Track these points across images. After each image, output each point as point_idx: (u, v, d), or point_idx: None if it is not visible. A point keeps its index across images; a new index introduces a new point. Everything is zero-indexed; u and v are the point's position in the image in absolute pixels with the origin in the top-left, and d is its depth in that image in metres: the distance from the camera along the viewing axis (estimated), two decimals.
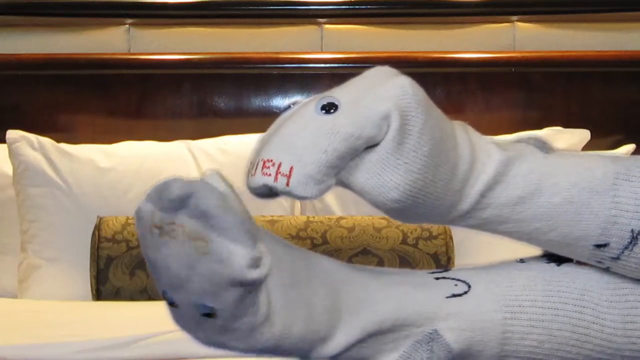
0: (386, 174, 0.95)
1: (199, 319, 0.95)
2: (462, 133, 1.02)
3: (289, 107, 1.00)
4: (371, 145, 0.96)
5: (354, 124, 0.94)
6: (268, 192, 0.97)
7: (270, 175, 0.94)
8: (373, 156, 0.95)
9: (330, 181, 0.95)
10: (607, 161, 1.05)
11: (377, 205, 0.97)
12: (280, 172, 0.94)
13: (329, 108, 0.96)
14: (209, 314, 0.94)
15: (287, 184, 0.94)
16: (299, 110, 0.98)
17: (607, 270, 1.07)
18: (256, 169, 0.96)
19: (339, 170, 0.96)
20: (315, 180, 0.94)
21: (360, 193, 0.97)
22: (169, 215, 0.92)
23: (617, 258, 1.04)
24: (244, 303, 0.94)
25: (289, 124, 0.96)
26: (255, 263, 0.92)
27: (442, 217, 1.01)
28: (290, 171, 0.94)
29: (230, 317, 0.94)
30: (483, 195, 1.01)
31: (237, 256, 0.91)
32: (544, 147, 1.06)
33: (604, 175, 1.03)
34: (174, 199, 0.92)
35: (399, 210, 0.97)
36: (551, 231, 1.03)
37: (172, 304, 0.96)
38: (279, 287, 0.97)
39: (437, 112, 1.00)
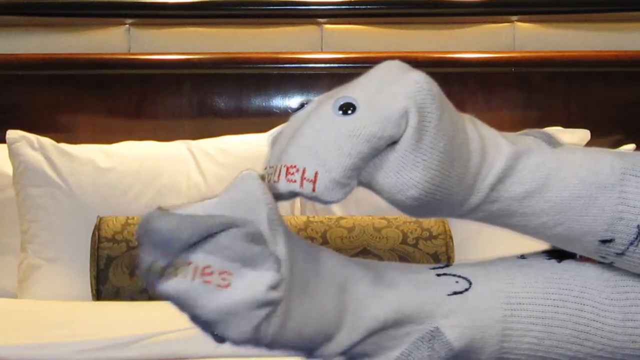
0: (405, 172, 0.94)
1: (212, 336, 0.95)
2: (471, 126, 1.01)
3: (302, 105, 0.98)
4: (389, 143, 0.95)
5: (375, 124, 0.93)
6: (289, 196, 0.97)
7: (295, 181, 0.93)
8: (391, 154, 0.94)
9: (354, 183, 0.94)
10: (614, 156, 1.04)
11: (395, 203, 0.96)
12: (305, 178, 0.93)
13: (347, 108, 0.94)
14: (222, 338, 0.94)
15: (313, 190, 0.93)
16: (315, 111, 0.96)
17: (608, 267, 1.07)
18: (279, 175, 0.94)
19: (361, 171, 0.94)
20: (341, 184, 0.93)
21: (379, 192, 0.96)
22: (181, 258, 0.91)
23: (622, 254, 1.03)
24: (260, 324, 0.93)
25: (308, 127, 0.95)
26: (276, 286, 0.92)
27: (453, 211, 1.00)
28: (315, 177, 0.92)
29: (243, 340, 0.94)
30: (493, 188, 1.00)
31: (259, 287, 0.91)
32: (551, 140, 1.05)
33: (611, 171, 1.03)
34: (184, 242, 0.90)
35: (416, 207, 0.96)
36: (557, 226, 1.03)
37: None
38: (293, 291, 0.96)
39: (450, 105, 0.99)
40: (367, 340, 1.01)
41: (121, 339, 1.97)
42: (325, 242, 2.52)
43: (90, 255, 2.53)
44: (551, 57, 2.94)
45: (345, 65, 2.86)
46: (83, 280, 2.56)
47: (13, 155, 2.68)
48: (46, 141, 2.70)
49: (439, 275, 1.06)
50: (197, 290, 0.91)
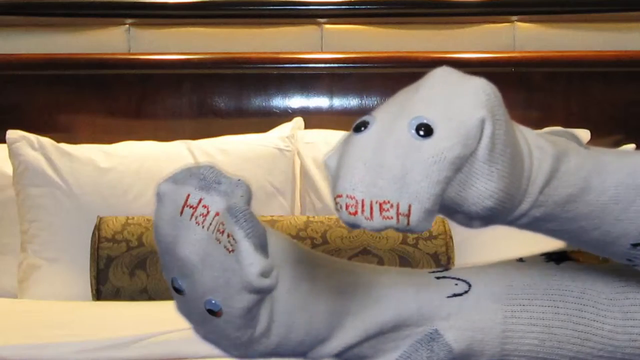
0: (479, 183, 0.91)
1: (203, 313, 0.95)
2: (516, 128, 1.00)
3: (362, 124, 0.94)
4: None
5: (457, 145, 0.89)
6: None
7: (392, 218, 0.89)
8: (465, 167, 0.91)
9: (438, 206, 0.91)
10: None
11: (466, 215, 0.92)
12: (400, 213, 0.89)
13: (420, 129, 0.90)
14: (214, 312, 0.94)
15: (408, 223, 0.89)
16: (389, 134, 0.91)
17: (607, 267, 1.07)
18: (372, 211, 0.90)
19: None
20: (432, 212, 0.91)
21: (449, 207, 0.93)
22: (210, 196, 0.93)
23: None
24: (250, 312, 0.94)
25: (389, 155, 0.90)
26: (267, 273, 0.93)
27: (506, 219, 0.97)
28: (409, 210, 0.89)
29: (233, 322, 0.95)
30: (541, 192, 0.97)
31: (255, 263, 0.92)
32: (579, 142, 1.03)
33: None
34: (220, 183, 0.93)
35: (486, 218, 0.93)
36: (594, 230, 1.00)
37: (178, 291, 0.96)
38: (281, 292, 0.97)
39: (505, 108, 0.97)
40: (365, 343, 1.01)
41: (121, 339, 1.97)
42: (325, 242, 2.52)
43: (90, 255, 2.53)
44: (551, 57, 2.95)
45: (345, 65, 2.86)
46: (83, 280, 2.56)
47: (13, 155, 2.69)
48: (46, 141, 2.70)
49: (438, 278, 1.05)
50: (211, 243, 0.93)
